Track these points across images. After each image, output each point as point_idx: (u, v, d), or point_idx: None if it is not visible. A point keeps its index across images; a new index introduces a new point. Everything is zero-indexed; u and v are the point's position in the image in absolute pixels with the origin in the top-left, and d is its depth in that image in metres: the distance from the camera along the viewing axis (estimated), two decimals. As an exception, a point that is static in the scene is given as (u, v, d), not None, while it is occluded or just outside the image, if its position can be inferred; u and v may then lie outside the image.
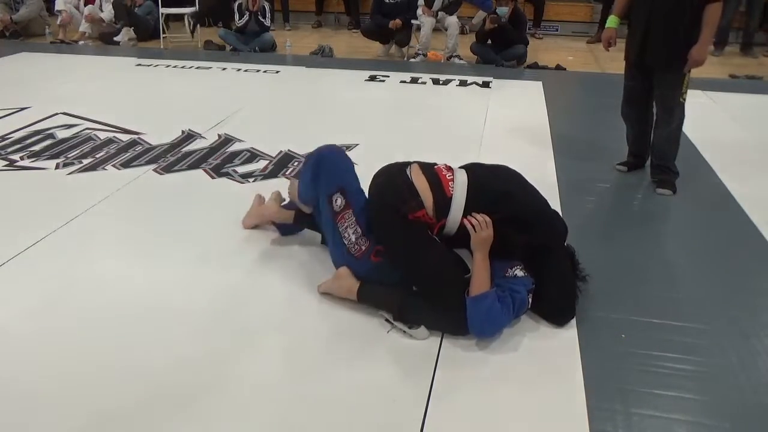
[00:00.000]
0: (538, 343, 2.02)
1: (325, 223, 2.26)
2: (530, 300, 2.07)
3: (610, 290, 2.30)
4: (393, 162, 2.25)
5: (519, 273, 2.09)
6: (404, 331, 2.03)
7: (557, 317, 2.12)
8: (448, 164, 2.22)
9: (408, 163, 2.20)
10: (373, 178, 2.21)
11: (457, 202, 2.07)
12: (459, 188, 2.09)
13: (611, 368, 1.92)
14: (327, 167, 2.24)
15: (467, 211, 2.06)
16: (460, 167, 2.22)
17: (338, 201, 2.17)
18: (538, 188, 2.26)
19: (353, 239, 2.15)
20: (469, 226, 2.02)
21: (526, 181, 2.27)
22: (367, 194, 2.22)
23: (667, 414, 1.75)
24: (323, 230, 2.35)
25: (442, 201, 2.07)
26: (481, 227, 2.01)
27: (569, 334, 2.06)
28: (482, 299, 1.96)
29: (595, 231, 2.79)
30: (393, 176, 2.15)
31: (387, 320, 2.07)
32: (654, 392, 1.83)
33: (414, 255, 2.06)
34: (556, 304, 2.12)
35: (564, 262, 2.18)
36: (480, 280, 2.00)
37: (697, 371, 1.92)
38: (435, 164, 2.21)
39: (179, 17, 7.62)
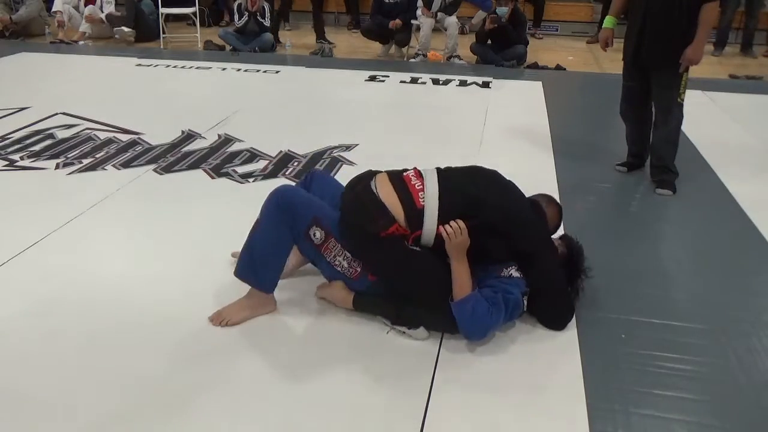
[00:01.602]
0: (538, 343, 2.02)
1: (313, 259, 2.15)
2: (525, 302, 2.05)
3: (610, 290, 2.30)
4: (358, 175, 2.17)
5: (514, 273, 2.06)
6: (403, 332, 2.03)
7: (552, 323, 2.09)
8: (417, 169, 2.14)
9: (373, 175, 2.12)
10: (341, 197, 2.13)
11: (430, 212, 2.00)
12: (430, 198, 2.02)
13: (611, 368, 1.92)
14: (290, 205, 2.06)
15: (441, 220, 2.00)
16: (435, 168, 2.15)
17: (317, 234, 2.04)
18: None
19: (345, 265, 2.08)
20: (444, 234, 1.97)
21: (505, 181, 2.19)
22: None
23: (667, 414, 1.75)
24: (316, 265, 2.21)
25: (414, 213, 2.00)
26: (455, 234, 1.97)
27: (569, 334, 2.06)
28: (464, 303, 1.94)
29: (595, 231, 2.78)
30: (358, 195, 2.06)
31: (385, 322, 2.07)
32: (654, 392, 1.83)
33: (398, 273, 2.03)
34: (546, 313, 2.10)
35: (551, 266, 2.10)
36: (459, 286, 1.98)
37: (697, 371, 1.92)
38: (404, 171, 2.14)
39: (179, 17, 7.62)
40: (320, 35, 7.13)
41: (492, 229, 2.03)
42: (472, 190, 2.08)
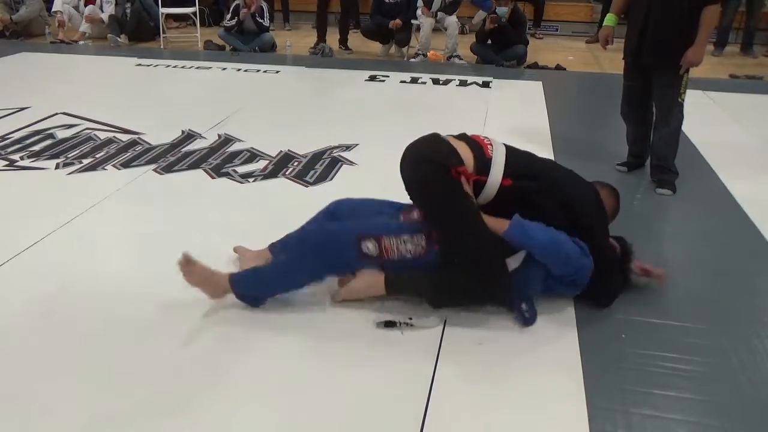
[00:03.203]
0: (538, 343, 2.02)
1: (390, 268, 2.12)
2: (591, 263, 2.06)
3: (610, 290, 2.30)
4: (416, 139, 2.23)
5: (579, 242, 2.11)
6: (412, 325, 2.02)
7: (601, 298, 2.16)
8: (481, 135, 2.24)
9: (438, 134, 2.20)
10: (407, 150, 2.18)
11: (497, 162, 2.09)
12: (498, 151, 2.12)
13: (611, 368, 1.92)
14: (323, 242, 2.08)
15: (507, 175, 2.07)
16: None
17: (369, 247, 2.05)
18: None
19: (411, 248, 2.06)
20: None
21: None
22: (400, 173, 2.17)
23: (667, 414, 1.75)
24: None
25: (482, 161, 2.09)
26: None
27: (569, 334, 2.06)
28: (514, 223, 2.02)
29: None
30: (430, 140, 2.16)
31: (387, 323, 2.05)
32: (654, 392, 1.82)
33: (460, 222, 2.03)
34: (597, 288, 2.13)
35: (606, 242, 2.16)
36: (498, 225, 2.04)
37: (697, 371, 1.92)
38: (467, 134, 2.23)
39: (179, 17, 7.62)
40: (321, 37, 7.11)
41: (553, 198, 2.10)
42: (537, 163, 2.23)
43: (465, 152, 2.09)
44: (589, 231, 2.12)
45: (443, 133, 2.22)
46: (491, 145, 2.15)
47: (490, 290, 2.05)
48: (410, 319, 2.04)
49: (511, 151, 2.17)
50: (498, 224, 2.05)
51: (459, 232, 2.04)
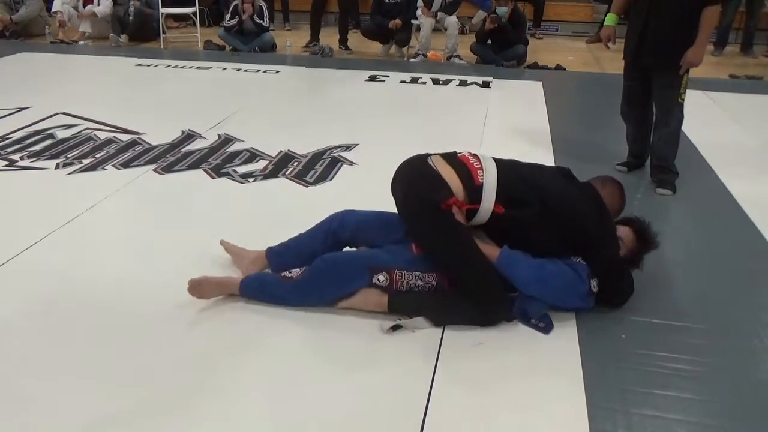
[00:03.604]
0: (538, 343, 2.02)
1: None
2: (594, 285, 2.07)
3: (610, 290, 2.30)
4: (410, 157, 2.21)
5: (581, 261, 2.12)
6: (401, 326, 2.03)
7: (611, 301, 2.17)
8: (470, 152, 2.20)
9: (428, 155, 2.16)
10: (395, 176, 2.17)
11: (488, 189, 2.05)
12: (489, 175, 2.07)
13: (611, 368, 1.92)
14: (336, 265, 2.10)
15: (499, 201, 2.04)
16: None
17: (380, 278, 2.06)
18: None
19: (421, 284, 2.07)
20: None
21: (558, 170, 2.29)
22: (392, 193, 2.18)
23: (667, 414, 1.75)
24: None
25: (472, 189, 2.05)
26: None
27: (569, 334, 2.06)
28: (502, 256, 2.04)
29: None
30: (418, 169, 2.12)
31: (394, 327, 2.04)
32: (654, 392, 1.82)
33: (453, 254, 2.04)
34: (606, 292, 2.13)
35: (610, 254, 2.15)
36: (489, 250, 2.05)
37: (697, 371, 1.92)
38: (457, 153, 2.18)
39: (179, 17, 7.61)
40: (315, 36, 7.09)
41: (548, 224, 2.07)
42: (528, 180, 2.14)
43: (454, 181, 2.05)
44: (592, 247, 2.11)
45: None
46: (481, 169, 2.09)
47: (491, 312, 2.06)
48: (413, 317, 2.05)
49: (501, 170, 2.11)
50: (489, 250, 2.06)
51: (453, 263, 2.06)
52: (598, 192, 2.25)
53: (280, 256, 2.30)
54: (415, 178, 2.12)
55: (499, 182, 2.06)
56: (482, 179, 2.06)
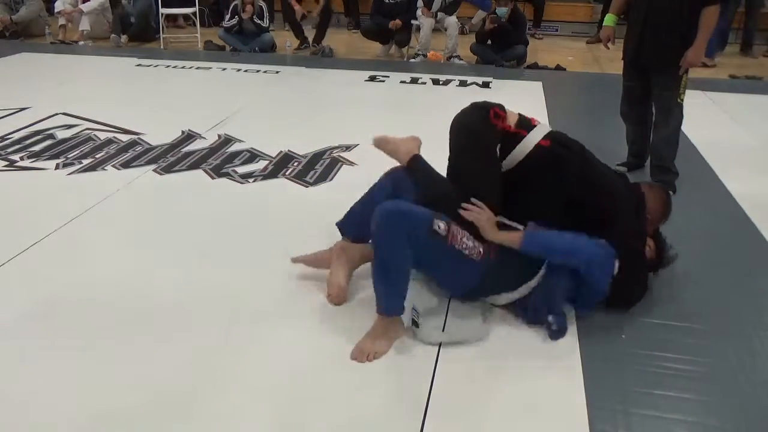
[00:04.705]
0: (538, 343, 2.02)
1: (433, 263, 2.06)
2: (617, 265, 2.04)
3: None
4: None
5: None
6: (417, 326, 2.02)
7: (621, 302, 2.15)
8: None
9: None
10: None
11: (541, 127, 2.22)
12: (542, 126, 2.23)
13: (611, 368, 1.92)
14: (403, 214, 1.97)
15: (548, 136, 2.18)
16: None
17: (441, 226, 1.98)
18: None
19: (470, 244, 2.03)
20: (470, 217, 2.04)
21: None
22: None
23: (667, 414, 1.75)
24: (430, 273, 2.18)
25: (526, 121, 2.21)
26: (478, 213, 2.05)
27: (569, 334, 2.05)
28: (527, 233, 2.05)
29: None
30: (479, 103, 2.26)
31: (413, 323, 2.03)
32: (654, 392, 1.83)
33: (473, 162, 2.17)
34: (617, 290, 2.09)
35: (636, 246, 2.15)
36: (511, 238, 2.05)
37: (697, 371, 1.92)
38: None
39: (179, 17, 7.60)
40: (319, 39, 7.08)
41: (579, 171, 2.16)
42: (579, 144, 2.28)
43: (511, 112, 2.21)
44: (617, 236, 2.07)
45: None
46: (537, 121, 2.26)
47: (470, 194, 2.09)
48: (415, 311, 2.05)
49: (556, 132, 2.25)
50: (511, 238, 2.04)
51: (466, 175, 2.17)
52: (644, 192, 2.30)
53: (357, 226, 2.29)
54: (476, 104, 2.28)
55: (551, 130, 2.23)
56: (538, 122, 2.24)
